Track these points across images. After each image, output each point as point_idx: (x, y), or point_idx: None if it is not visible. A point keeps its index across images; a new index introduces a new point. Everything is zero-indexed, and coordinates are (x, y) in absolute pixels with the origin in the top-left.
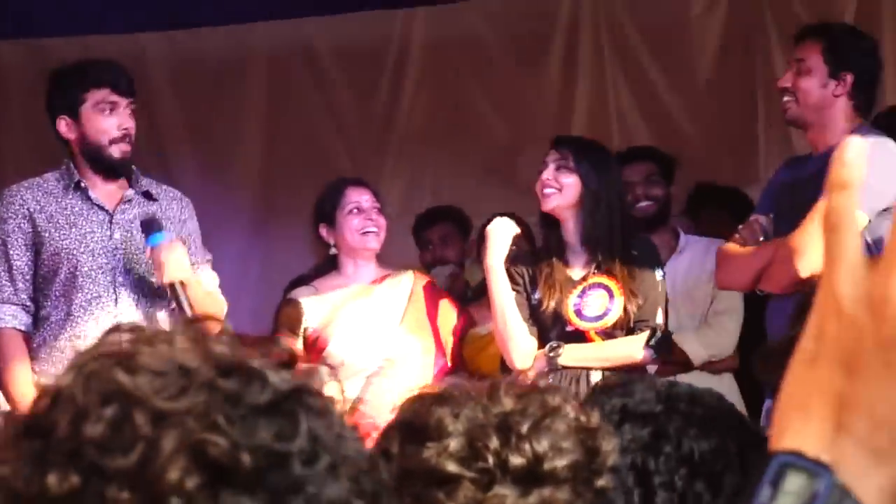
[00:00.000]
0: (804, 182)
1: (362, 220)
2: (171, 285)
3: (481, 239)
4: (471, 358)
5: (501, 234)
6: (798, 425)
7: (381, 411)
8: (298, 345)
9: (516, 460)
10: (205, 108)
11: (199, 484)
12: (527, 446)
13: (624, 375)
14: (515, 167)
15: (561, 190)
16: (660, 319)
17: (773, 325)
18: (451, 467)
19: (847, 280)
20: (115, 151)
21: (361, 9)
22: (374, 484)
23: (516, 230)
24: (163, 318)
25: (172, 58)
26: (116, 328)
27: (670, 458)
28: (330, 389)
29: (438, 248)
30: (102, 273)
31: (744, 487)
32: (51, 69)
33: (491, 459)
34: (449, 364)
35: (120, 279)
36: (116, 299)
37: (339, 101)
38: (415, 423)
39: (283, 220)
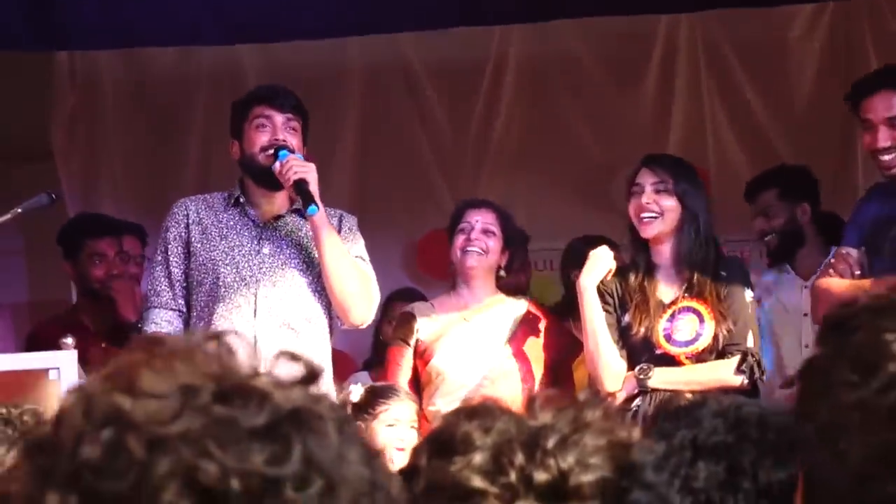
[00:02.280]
0: None
1: (465, 240)
2: (297, 182)
3: (567, 256)
4: None
5: (602, 260)
6: None
7: None
8: (409, 354)
9: (540, 476)
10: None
11: None
12: (552, 462)
13: (684, 399)
14: (610, 188)
15: (662, 214)
16: (751, 343)
17: None
18: (476, 482)
19: None
20: (263, 159)
21: (457, 25)
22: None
23: (613, 266)
24: (301, 331)
25: (268, 70)
26: (141, 342)
27: (749, 494)
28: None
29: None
30: (245, 285)
31: None
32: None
33: (514, 475)
34: (555, 390)
35: (262, 293)
36: (255, 311)
37: (434, 118)
38: (443, 436)
39: (375, 236)
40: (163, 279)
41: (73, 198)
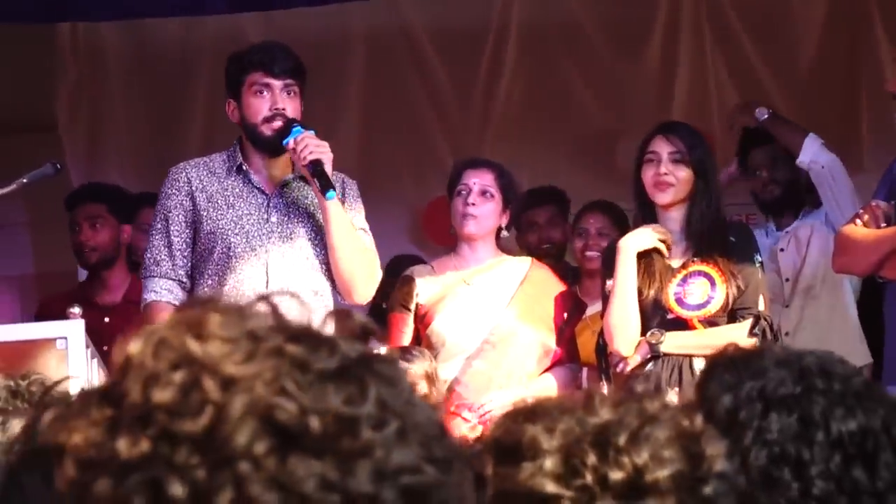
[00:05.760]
0: None
1: (463, 204)
2: (313, 163)
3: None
4: None
5: (650, 234)
6: None
7: (476, 393)
8: (410, 319)
9: (616, 475)
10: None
11: (267, 448)
12: (626, 459)
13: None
14: (614, 153)
15: (677, 184)
16: (762, 306)
17: (892, 312)
18: (550, 487)
19: None
20: (266, 130)
21: None
22: (446, 450)
23: (657, 245)
24: (309, 299)
25: (270, 38)
26: (192, 301)
27: (823, 445)
28: (420, 368)
29: (545, 229)
30: (255, 255)
31: None
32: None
33: (589, 476)
34: (559, 352)
35: (272, 262)
36: (267, 282)
37: (437, 85)
38: (508, 442)
39: (380, 202)
40: (163, 248)
41: (77, 169)
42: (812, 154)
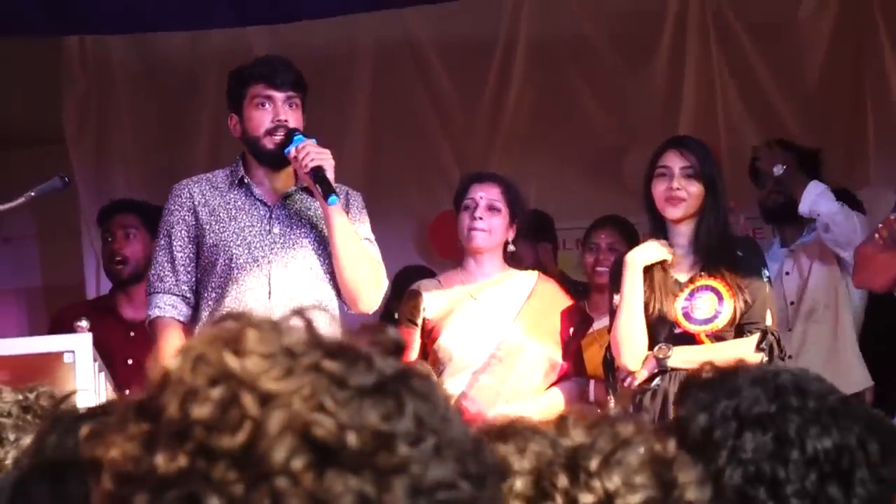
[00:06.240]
0: None
1: (470, 219)
2: (315, 170)
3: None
4: None
5: (657, 248)
6: None
7: (484, 408)
8: (416, 334)
9: (586, 499)
10: (310, 101)
11: (305, 464)
12: (597, 483)
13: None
14: (621, 167)
15: (688, 199)
16: (769, 321)
17: None
18: None
19: None
20: (269, 143)
21: None
22: (481, 466)
23: (665, 257)
24: (315, 313)
25: (277, 52)
26: (227, 317)
27: (798, 464)
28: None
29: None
30: (258, 266)
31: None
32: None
33: (560, 499)
34: (565, 366)
35: (275, 273)
36: (270, 292)
37: (445, 98)
38: None
39: (387, 214)
40: (166, 264)
41: (85, 181)
42: (810, 203)
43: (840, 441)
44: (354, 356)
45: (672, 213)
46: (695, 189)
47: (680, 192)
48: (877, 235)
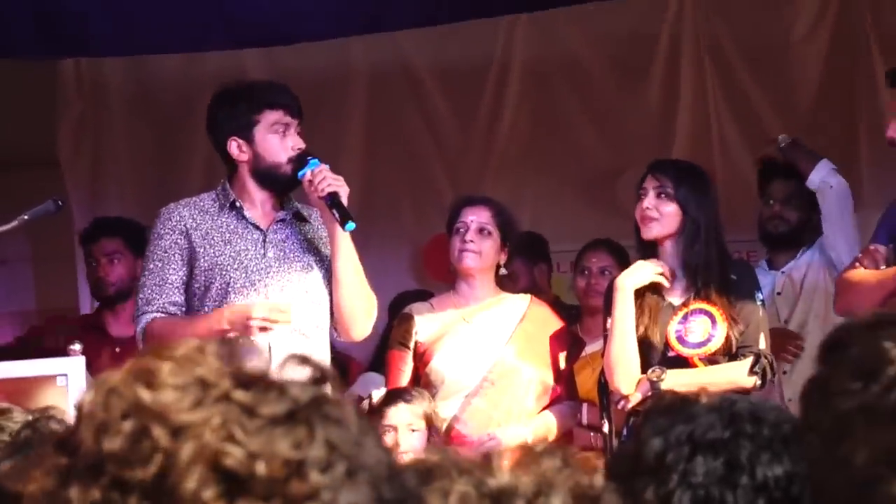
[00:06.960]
0: None
1: (461, 241)
2: (331, 195)
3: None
4: None
5: (647, 269)
6: None
7: (476, 431)
8: (409, 358)
9: None
10: (304, 124)
11: (216, 494)
12: None
13: (673, 395)
14: (615, 190)
15: (661, 218)
16: (763, 345)
17: None
18: None
19: None
20: (289, 170)
21: (459, 20)
22: (397, 491)
23: (656, 279)
24: (311, 337)
25: (272, 74)
26: (147, 351)
27: (747, 489)
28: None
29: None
30: (254, 290)
31: None
32: (216, 90)
33: None
34: (558, 389)
35: (272, 297)
36: None
37: (439, 120)
38: None
39: (381, 239)
40: (155, 287)
41: (79, 205)
42: (823, 175)
43: (791, 469)
44: (266, 385)
45: (644, 232)
46: (668, 209)
47: (650, 212)
48: (857, 264)
